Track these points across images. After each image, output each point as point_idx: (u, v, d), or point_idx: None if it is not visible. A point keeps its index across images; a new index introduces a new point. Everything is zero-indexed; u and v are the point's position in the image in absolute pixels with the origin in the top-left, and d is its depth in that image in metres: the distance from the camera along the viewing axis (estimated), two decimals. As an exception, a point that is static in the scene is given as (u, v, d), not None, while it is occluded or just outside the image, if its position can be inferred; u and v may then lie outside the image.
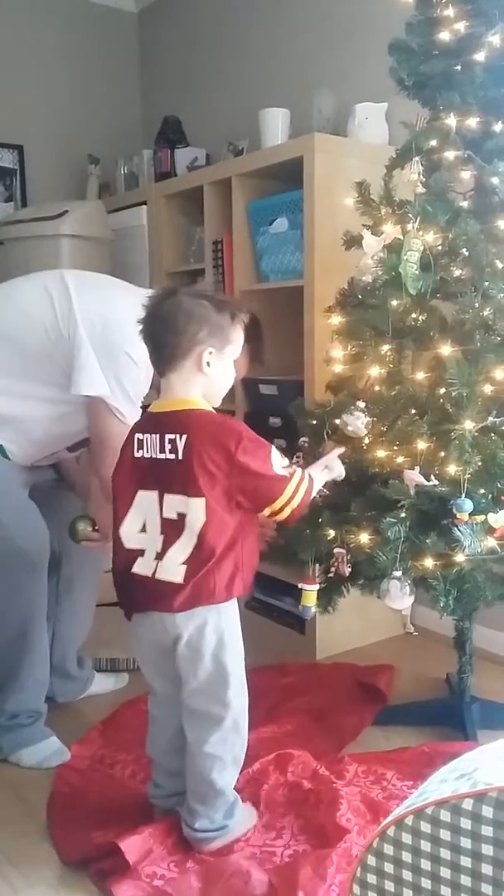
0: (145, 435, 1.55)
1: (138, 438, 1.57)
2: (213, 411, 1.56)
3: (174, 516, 1.49)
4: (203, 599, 1.49)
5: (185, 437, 1.49)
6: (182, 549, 1.48)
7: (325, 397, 2.04)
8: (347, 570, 1.84)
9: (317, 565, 1.90)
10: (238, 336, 1.59)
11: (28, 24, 3.67)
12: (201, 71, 3.68)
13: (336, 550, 1.84)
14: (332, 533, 1.86)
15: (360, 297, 1.98)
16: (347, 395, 1.93)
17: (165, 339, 1.53)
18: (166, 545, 1.50)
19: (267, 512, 1.55)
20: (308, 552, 1.88)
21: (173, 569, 1.49)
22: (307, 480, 1.58)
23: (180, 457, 1.48)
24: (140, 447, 1.56)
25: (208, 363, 1.53)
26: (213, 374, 1.55)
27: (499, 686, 2.28)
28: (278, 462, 1.54)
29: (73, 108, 3.82)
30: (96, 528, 1.97)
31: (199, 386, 1.55)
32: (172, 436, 1.50)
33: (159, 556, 1.51)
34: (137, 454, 1.56)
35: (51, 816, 1.75)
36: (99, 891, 1.52)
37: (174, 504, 1.49)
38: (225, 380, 1.60)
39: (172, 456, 1.50)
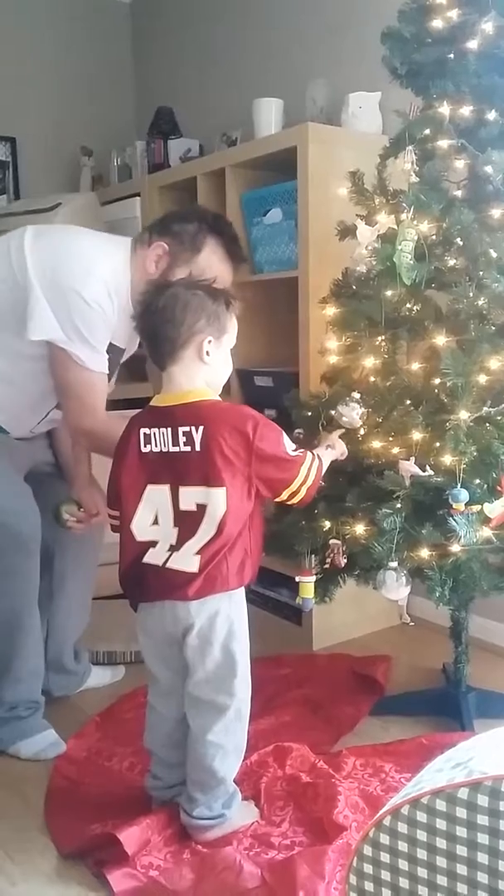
0: (152, 429, 1.54)
1: (144, 433, 1.55)
2: (221, 400, 1.57)
3: (193, 508, 1.49)
4: (217, 587, 1.50)
5: (201, 428, 1.48)
6: (199, 539, 1.48)
7: (320, 388, 2.04)
8: (343, 562, 1.84)
9: (312, 556, 1.91)
10: (233, 325, 1.60)
11: (20, 15, 3.64)
12: (194, 61, 3.66)
13: (332, 542, 1.84)
14: (327, 524, 1.86)
15: (354, 287, 1.98)
16: (342, 386, 1.92)
17: (164, 332, 1.52)
18: (183, 537, 1.50)
19: (285, 495, 1.55)
20: (304, 544, 1.88)
21: (188, 559, 1.49)
22: (317, 459, 1.59)
23: (198, 448, 1.48)
24: (147, 442, 1.55)
25: (208, 352, 1.53)
26: (213, 363, 1.55)
27: (495, 675, 2.29)
28: (290, 444, 1.55)
29: (66, 99, 3.80)
30: (80, 508, 1.96)
31: (202, 376, 1.55)
32: (187, 428, 1.49)
33: (174, 548, 1.51)
34: (145, 449, 1.55)
35: (48, 809, 1.76)
36: (96, 883, 1.52)
37: (193, 496, 1.49)
38: (224, 369, 1.60)
39: (188, 448, 1.49)
